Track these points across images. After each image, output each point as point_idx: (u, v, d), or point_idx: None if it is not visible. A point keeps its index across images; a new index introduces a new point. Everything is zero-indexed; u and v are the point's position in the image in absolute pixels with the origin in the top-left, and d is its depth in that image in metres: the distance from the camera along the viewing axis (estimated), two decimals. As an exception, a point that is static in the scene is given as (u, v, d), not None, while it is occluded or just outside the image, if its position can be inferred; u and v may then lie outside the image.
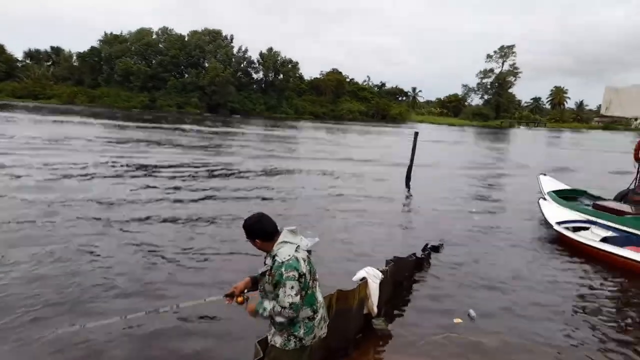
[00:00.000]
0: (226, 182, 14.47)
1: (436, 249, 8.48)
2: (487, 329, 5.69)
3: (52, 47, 77.20)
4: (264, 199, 12.31)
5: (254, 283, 3.34)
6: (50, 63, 76.32)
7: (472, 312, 6.07)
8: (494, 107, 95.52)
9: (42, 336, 4.54)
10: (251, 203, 11.66)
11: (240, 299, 3.20)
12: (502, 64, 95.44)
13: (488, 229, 10.52)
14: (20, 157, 16.10)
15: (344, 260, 7.68)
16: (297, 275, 2.98)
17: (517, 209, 12.83)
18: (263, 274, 3.15)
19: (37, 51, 77.04)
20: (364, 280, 5.25)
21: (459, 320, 5.89)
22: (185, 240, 8.26)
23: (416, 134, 16.10)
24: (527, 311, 6.26)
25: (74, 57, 73.70)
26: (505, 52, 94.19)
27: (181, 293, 5.80)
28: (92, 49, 71.06)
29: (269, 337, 3.22)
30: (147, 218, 9.50)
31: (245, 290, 3.27)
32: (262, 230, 3.10)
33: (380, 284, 5.45)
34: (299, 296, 2.98)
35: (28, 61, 75.79)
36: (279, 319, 3.00)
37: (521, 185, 16.89)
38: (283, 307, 2.94)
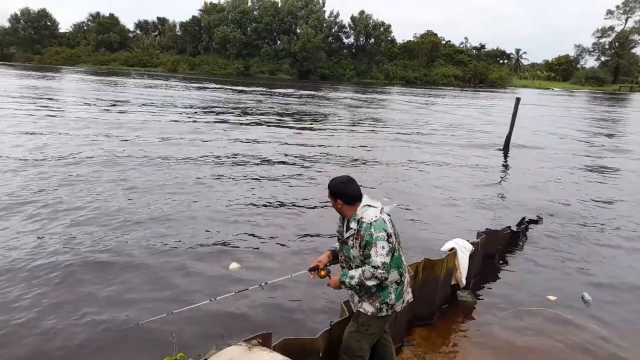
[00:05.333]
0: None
1: (534, 222, 7.95)
2: (589, 314, 5.28)
3: (158, 18, 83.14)
4: (350, 161, 12.35)
5: (335, 257, 3.39)
6: (156, 33, 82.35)
7: (587, 296, 5.57)
8: (612, 70, 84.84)
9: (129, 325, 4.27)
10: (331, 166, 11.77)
11: (322, 272, 3.27)
12: (626, 20, 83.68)
13: (598, 211, 9.33)
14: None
15: (432, 230, 7.53)
16: (386, 236, 3.00)
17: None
18: (344, 241, 3.18)
19: (146, 22, 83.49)
20: (452, 250, 5.12)
21: (553, 298, 5.53)
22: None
23: (517, 100, 14.94)
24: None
25: (177, 27, 78.67)
26: (631, 6, 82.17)
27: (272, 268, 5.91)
28: (193, 18, 75.19)
29: (356, 306, 3.25)
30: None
31: (327, 264, 3.33)
32: (347, 193, 3.11)
33: (470, 256, 5.29)
34: (389, 256, 3.00)
35: (138, 32, 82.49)
36: (370, 282, 3.00)
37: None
38: (375, 267, 2.95)
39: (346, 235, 3.16)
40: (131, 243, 6.39)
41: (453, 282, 5.28)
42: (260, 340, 2.80)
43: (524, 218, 7.79)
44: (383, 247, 2.97)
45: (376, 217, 3.04)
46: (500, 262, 6.51)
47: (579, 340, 4.74)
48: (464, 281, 5.27)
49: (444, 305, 5.15)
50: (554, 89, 72.93)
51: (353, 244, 3.09)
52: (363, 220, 3.04)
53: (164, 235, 6.73)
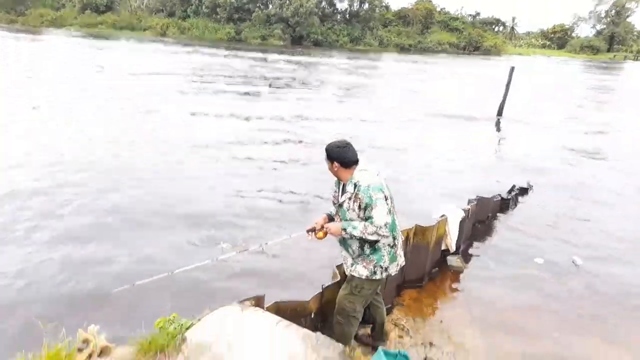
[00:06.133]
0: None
1: (524, 190, 8.04)
2: (578, 277, 5.44)
3: (146, -21, 80.00)
4: (343, 127, 12.29)
5: (330, 220, 3.40)
6: (147, -5, 79.49)
7: (578, 260, 5.71)
8: (607, 39, 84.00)
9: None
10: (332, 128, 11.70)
11: (320, 233, 3.28)
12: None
13: (590, 180, 9.43)
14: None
15: (424, 197, 7.60)
16: (383, 197, 3.03)
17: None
18: (340, 204, 3.20)
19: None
20: (443, 217, 5.18)
21: (541, 261, 5.68)
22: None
23: (512, 68, 14.84)
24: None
25: (166, -11, 75.90)
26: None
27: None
28: (184, -22, 72.45)
29: (349, 269, 3.29)
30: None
31: (323, 226, 3.32)
32: (343, 156, 3.11)
33: (461, 222, 5.36)
34: (390, 216, 3.04)
35: (125, -7, 79.56)
36: (371, 237, 3.01)
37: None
38: (378, 227, 2.98)
39: (342, 198, 3.17)
40: (133, 203, 6.48)
41: (443, 247, 5.37)
42: (253, 303, 2.84)
43: (514, 186, 7.87)
44: (383, 207, 3.00)
45: (373, 180, 3.06)
46: (490, 228, 6.62)
47: (567, 303, 4.90)
48: (453, 246, 5.37)
49: (434, 269, 5.26)
50: (549, 57, 72.35)
51: (349, 207, 3.10)
52: (360, 183, 3.05)
53: (165, 196, 6.78)
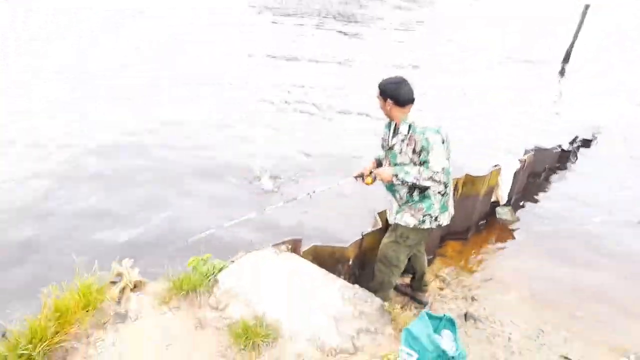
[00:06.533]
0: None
1: (587, 143, 7.40)
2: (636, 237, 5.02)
3: None
4: (394, 69, 11.61)
5: (379, 165, 3.19)
6: None
7: None
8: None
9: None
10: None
11: (369, 179, 3.07)
12: None
13: None
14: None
15: (478, 145, 7.11)
16: (441, 140, 2.78)
17: None
18: (390, 147, 2.96)
19: None
20: (496, 167, 4.83)
21: (599, 219, 5.28)
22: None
23: (586, 7, 13.15)
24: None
25: None
26: None
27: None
28: None
29: (393, 216, 3.10)
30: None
31: (371, 172, 3.11)
32: (398, 93, 2.81)
33: (515, 173, 5.00)
34: (447, 161, 2.81)
35: None
36: (426, 183, 2.79)
37: None
38: (435, 172, 2.75)
39: (392, 141, 2.93)
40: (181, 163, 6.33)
41: (493, 199, 5.07)
42: (289, 246, 2.75)
43: (576, 136, 7.25)
44: (440, 151, 2.75)
45: (429, 121, 2.80)
46: (547, 181, 6.18)
47: (627, 263, 4.55)
48: (505, 198, 5.06)
49: (481, 222, 5.00)
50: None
51: (402, 150, 2.86)
52: (416, 124, 2.79)
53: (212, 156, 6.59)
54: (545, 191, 5.96)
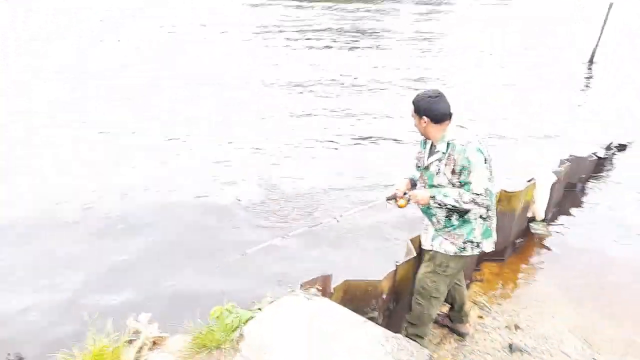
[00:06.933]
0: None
1: (622, 147, 7.02)
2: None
3: None
4: (417, 83, 11.30)
5: (413, 185, 2.95)
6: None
7: None
8: None
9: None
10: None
11: (402, 201, 2.82)
12: None
13: None
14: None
15: (511, 157, 6.65)
16: (483, 160, 2.55)
17: None
18: (427, 167, 2.73)
19: None
20: (531, 181, 4.54)
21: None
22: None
23: (611, 5, 12.69)
24: None
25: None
26: None
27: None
28: None
29: (429, 242, 2.85)
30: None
31: (405, 193, 2.88)
32: (434, 109, 2.59)
33: (552, 186, 4.70)
34: (491, 182, 2.57)
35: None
36: (468, 206, 2.57)
37: None
38: (477, 194, 2.52)
39: (429, 160, 2.71)
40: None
41: (529, 215, 4.78)
42: (319, 287, 2.52)
43: (611, 143, 6.88)
44: (483, 171, 2.52)
45: (470, 138, 2.57)
46: (583, 191, 5.85)
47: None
48: (541, 215, 4.77)
49: (518, 240, 4.70)
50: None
51: (439, 170, 2.63)
52: (454, 142, 2.56)
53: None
54: (582, 203, 5.63)
